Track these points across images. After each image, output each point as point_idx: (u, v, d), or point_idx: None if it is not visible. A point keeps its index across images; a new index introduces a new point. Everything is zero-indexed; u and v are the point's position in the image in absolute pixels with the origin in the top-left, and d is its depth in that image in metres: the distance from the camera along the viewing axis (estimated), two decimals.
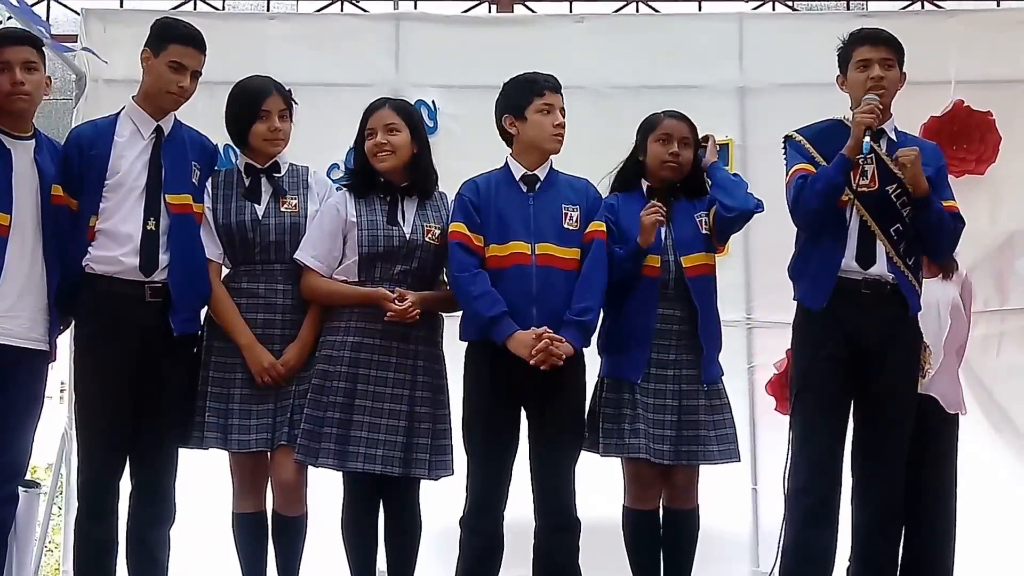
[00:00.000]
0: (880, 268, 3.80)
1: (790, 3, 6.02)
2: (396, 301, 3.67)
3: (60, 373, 5.29)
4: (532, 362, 3.61)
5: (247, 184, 3.87)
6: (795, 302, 3.98)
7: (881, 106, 3.78)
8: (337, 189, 3.98)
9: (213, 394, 3.78)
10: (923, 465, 4.47)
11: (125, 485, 3.82)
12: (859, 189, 3.76)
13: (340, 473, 3.78)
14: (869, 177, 3.76)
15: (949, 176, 5.27)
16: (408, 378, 3.74)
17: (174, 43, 3.77)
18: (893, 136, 3.91)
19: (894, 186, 3.79)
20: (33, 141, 3.78)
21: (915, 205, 3.77)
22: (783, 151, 4.03)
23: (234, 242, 3.83)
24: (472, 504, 3.74)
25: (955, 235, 3.93)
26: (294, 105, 3.94)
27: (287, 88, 3.93)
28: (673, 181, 3.96)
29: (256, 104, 3.84)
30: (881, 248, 3.80)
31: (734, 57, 5.65)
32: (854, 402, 3.86)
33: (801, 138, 3.96)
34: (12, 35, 3.83)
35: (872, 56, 3.86)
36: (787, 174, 3.95)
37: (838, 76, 3.97)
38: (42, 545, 5.30)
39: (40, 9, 5.80)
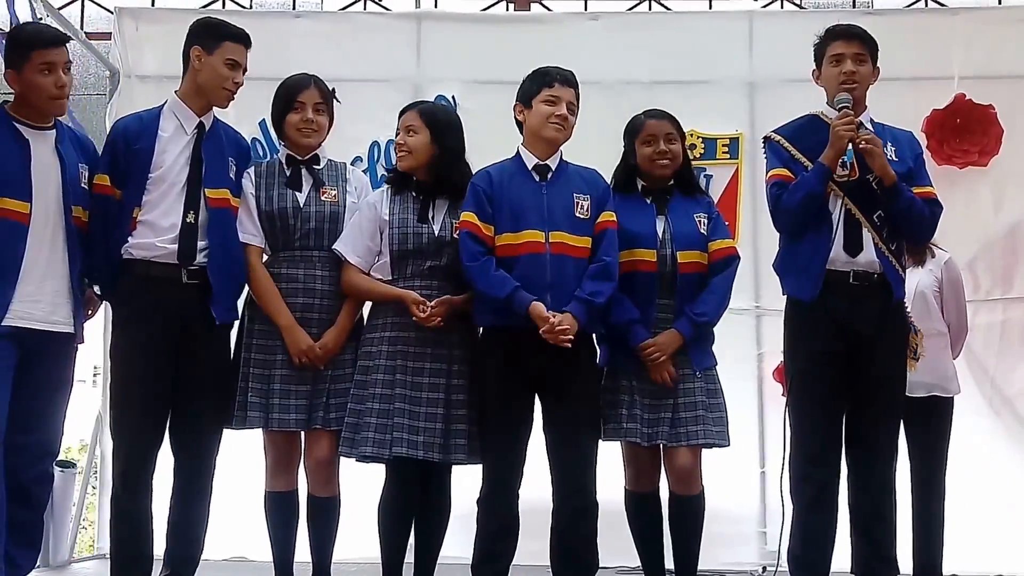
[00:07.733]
0: (868, 255, 3.85)
1: (798, 1, 6.14)
2: (421, 309, 3.76)
3: (93, 357, 5.45)
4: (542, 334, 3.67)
5: (288, 174, 3.99)
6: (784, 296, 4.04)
7: (855, 118, 3.81)
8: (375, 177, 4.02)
9: (255, 375, 3.88)
10: (912, 446, 4.61)
11: (159, 462, 3.86)
12: (840, 179, 3.84)
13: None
14: (849, 167, 3.84)
15: (951, 168, 5.50)
16: (444, 367, 3.83)
17: (229, 40, 3.86)
18: (869, 127, 3.95)
19: (873, 173, 3.84)
20: (54, 131, 3.82)
21: (884, 193, 3.83)
22: (763, 151, 4.12)
23: (275, 229, 3.93)
24: (489, 485, 3.81)
25: (931, 220, 3.95)
26: (335, 102, 4.05)
27: (331, 87, 4.04)
28: (668, 177, 4.03)
29: (292, 96, 3.97)
30: (868, 235, 3.86)
31: (744, 53, 5.79)
32: (848, 390, 3.88)
33: (779, 138, 4.02)
34: (55, 37, 3.79)
35: (845, 51, 3.92)
36: (766, 176, 4.04)
37: (813, 71, 4.03)
38: (77, 523, 5.44)
39: (75, 7, 5.95)
